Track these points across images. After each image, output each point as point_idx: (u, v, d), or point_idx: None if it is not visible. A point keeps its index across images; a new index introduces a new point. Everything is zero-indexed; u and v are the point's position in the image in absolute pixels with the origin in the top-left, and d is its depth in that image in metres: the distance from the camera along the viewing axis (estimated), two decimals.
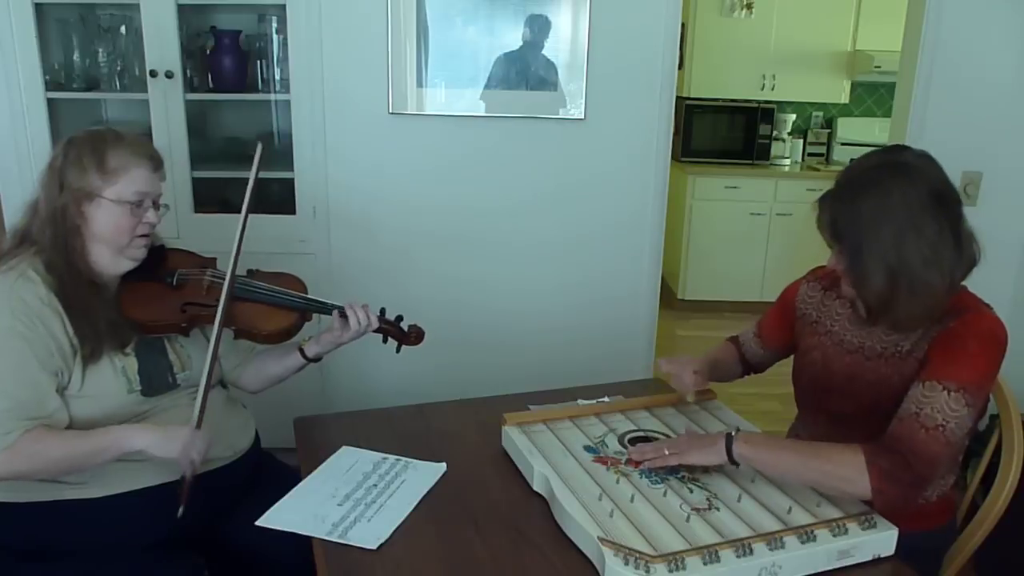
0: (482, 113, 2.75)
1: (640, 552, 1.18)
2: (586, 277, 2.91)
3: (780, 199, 4.90)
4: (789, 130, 5.29)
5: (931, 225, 1.33)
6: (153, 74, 2.56)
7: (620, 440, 1.56)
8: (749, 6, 4.81)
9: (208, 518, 1.56)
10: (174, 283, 1.62)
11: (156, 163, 1.55)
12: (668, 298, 4.69)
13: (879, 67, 4.72)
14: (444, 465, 1.54)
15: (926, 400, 1.32)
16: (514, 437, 1.54)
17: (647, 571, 1.15)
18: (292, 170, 2.70)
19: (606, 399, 1.75)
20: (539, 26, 2.70)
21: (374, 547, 1.28)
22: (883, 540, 1.28)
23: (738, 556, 1.20)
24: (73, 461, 1.40)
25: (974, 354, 1.35)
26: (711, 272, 4.98)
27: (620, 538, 1.23)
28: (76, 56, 2.71)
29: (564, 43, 2.71)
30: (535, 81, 2.74)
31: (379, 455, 1.58)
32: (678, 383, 1.65)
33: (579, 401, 1.75)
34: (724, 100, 5.04)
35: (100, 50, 2.71)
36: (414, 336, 1.73)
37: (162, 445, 1.40)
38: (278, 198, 2.76)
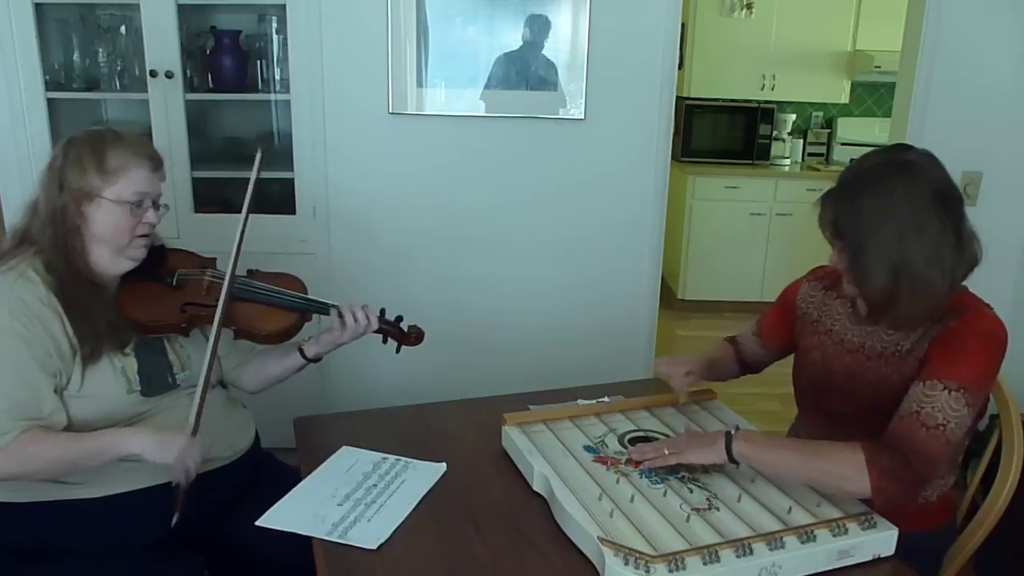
0: (482, 113, 2.75)
1: (640, 552, 1.18)
2: (586, 277, 2.91)
3: (780, 199, 4.90)
4: (789, 130, 5.29)
5: (934, 224, 1.34)
6: (153, 74, 2.56)
7: (620, 440, 1.56)
8: (749, 6, 4.81)
9: (208, 518, 1.56)
10: (174, 283, 1.62)
11: (156, 163, 1.55)
12: (668, 298, 4.69)
13: (879, 67, 4.72)
14: (444, 465, 1.54)
15: (927, 399, 1.32)
16: (514, 437, 1.54)
17: (647, 571, 1.15)
18: (292, 170, 2.70)
19: (606, 399, 1.75)
20: (539, 26, 2.70)
21: (374, 547, 1.28)
22: (883, 540, 1.28)
23: (738, 556, 1.20)
24: (68, 464, 1.39)
25: (974, 353, 1.35)
26: (711, 272, 4.97)
27: (620, 538, 1.23)
28: (76, 56, 2.71)
29: (564, 43, 2.71)
30: (535, 81, 2.74)
31: (379, 455, 1.58)
32: (672, 383, 1.66)
33: (579, 401, 1.75)
34: (724, 100, 5.04)
35: (100, 50, 2.71)
36: (414, 336, 1.73)
37: (157, 451, 1.39)
38: (278, 198, 2.76)
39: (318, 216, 2.74)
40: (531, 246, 2.87)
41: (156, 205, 1.54)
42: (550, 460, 1.46)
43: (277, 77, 2.79)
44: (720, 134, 5.06)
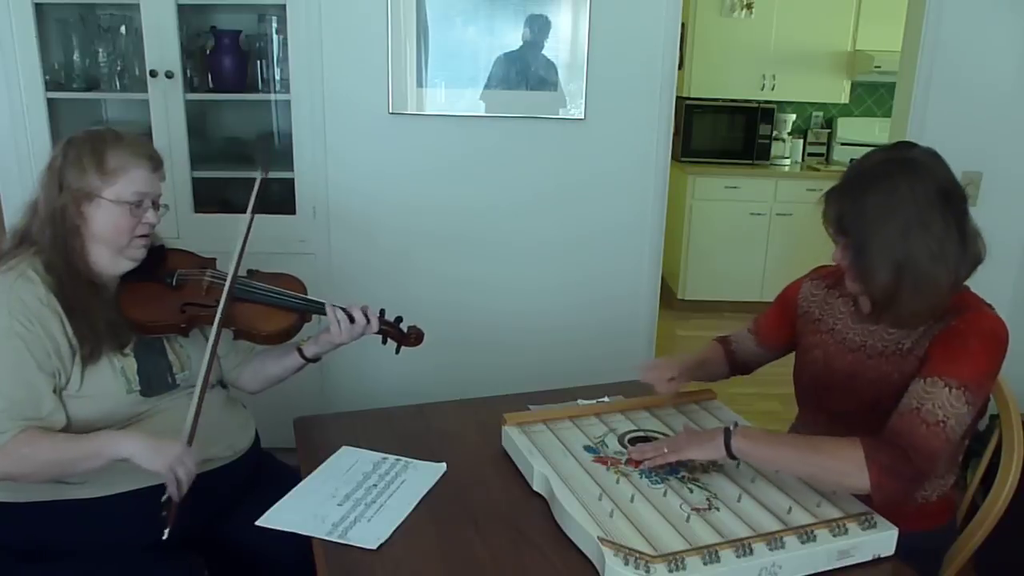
0: (482, 113, 2.75)
1: (640, 552, 1.18)
2: (586, 277, 2.91)
3: (780, 199, 4.90)
4: (789, 130, 5.29)
5: (938, 221, 1.34)
6: (153, 74, 2.56)
7: (620, 440, 1.56)
8: (749, 6, 4.81)
9: (208, 518, 1.56)
10: (173, 283, 1.62)
11: (155, 163, 1.54)
12: (668, 298, 4.69)
13: (879, 67, 4.72)
14: (444, 465, 1.54)
15: (927, 396, 1.32)
16: (514, 437, 1.54)
17: (647, 571, 1.15)
18: (292, 170, 2.70)
19: (606, 399, 1.75)
20: (539, 26, 2.70)
21: (374, 547, 1.28)
22: (883, 540, 1.28)
23: (738, 556, 1.20)
24: (62, 466, 1.39)
25: (975, 352, 1.35)
26: (711, 272, 4.97)
27: (620, 538, 1.23)
28: (76, 56, 2.71)
29: (564, 43, 2.71)
30: (535, 81, 2.74)
31: (379, 455, 1.58)
32: (656, 390, 1.66)
33: (579, 401, 1.75)
34: (724, 100, 5.04)
35: (100, 50, 2.71)
36: (413, 337, 1.72)
37: (148, 456, 1.36)
38: (278, 198, 2.76)
39: (318, 216, 2.74)
40: (531, 246, 2.87)
41: (156, 205, 1.54)
42: (550, 460, 1.46)
43: (277, 77, 2.79)
44: (720, 134, 5.06)
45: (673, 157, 3.54)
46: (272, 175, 2.70)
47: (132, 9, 2.59)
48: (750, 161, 5.06)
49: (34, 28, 2.52)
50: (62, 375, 1.43)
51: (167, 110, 2.59)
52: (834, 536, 1.25)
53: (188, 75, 2.67)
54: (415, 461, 1.56)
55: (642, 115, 2.78)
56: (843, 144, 5.31)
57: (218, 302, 1.54)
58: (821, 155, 5.36)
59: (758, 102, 5.01)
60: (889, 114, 3.54)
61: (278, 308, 1.64)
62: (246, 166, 2.83)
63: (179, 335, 1.59)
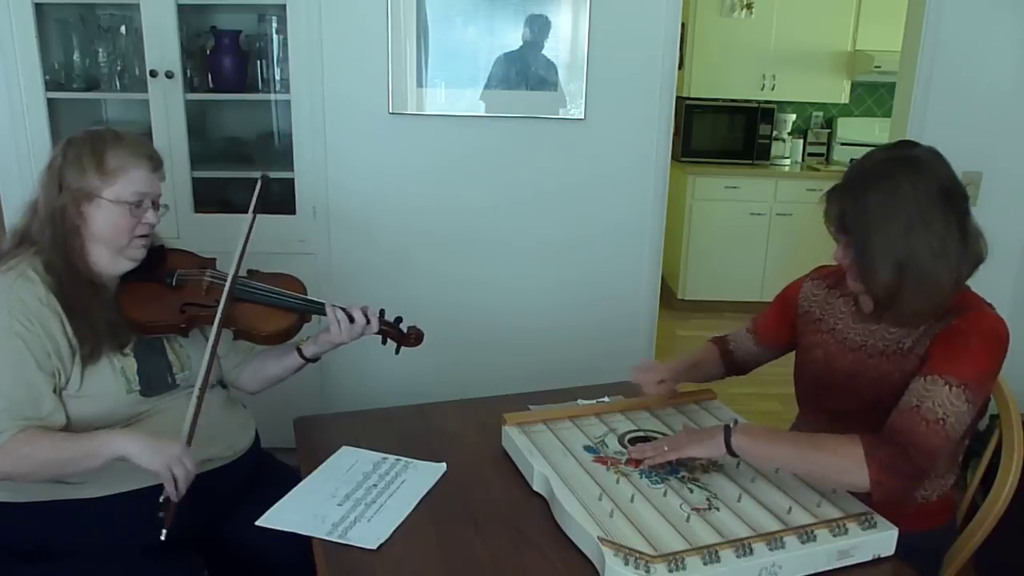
0: (482, 113, 2.75)
1: (640, 552, 1.18)
2: (586, 277, 2.91)
3: (780, 199, 4.90)
4: (789, 130, 5.29)
5: (939, 220, 1.34)
6: (153, 74, 2.56)
7: (620, 440, 1.56)
8: (749, 6, 4.81)
9: (208, 518, 1.56)
10: (173, 283, 1.62)
11: (155, 163, 1.54)
12: (668, 298, 4.69)
13: (879, 67, 4.72)
14: (444, 465, 1.54)
15: (927, 393, 1.32)
16: (514, 437, 1.54)
17: (647, 571, 1.15)
18: (292, 170, 2.70)
19: (606, 399, 1.75)
20: (539, 26, 2.70)
21: (374, 547, 1.28)
22: (883, 540, 1.28)
23: (738, 556, 1.20)
24: (62, 465, 1.38)
25: (976, 352, 1.35)
26: (711, 272, 4.97)
27: (620, 538, 1.23)
28: (76, 56, 2.71)
29: (564, 43, 2.71)
30: (535, 81, 2.74)
31: (379, 455, 1.58)
32: (645, 391, 1.66)
33: (579, 401, 1.75)
34: (724, 100, 5.04)
35: (100, 50, 2.71)
36: (413, 338, 1.72)
37: (147, 455, 1.36)
38: (278, 198, 2.76)
39: (318, 216, 2.74)
40: (531, 246, 2.87)
41: (156, 205, 1.54)
42: (550, 460, 1.46)
43: (277, 77, 2.79)
44: (720, 134, 5.06)
45: (673, 157, 3.54)
46: (272, 175, 2.71)
47: (132, 9, 2.59)
48: (750, 161, 5.06)
49: (34, 28, 2.52)
50: (62, 375, 1.43)
51: (167, 110, 2.59)
52: (834, 536, 1.25)
53: (188, 75, 2.67)
54: (415, 461, 1.56)
55: (642, 115, 2.78)
56: (843, 144, 5.31)
57: (218, 302, 1.54)
58: (821, 155, 5.37)
59: (758, 102, 5.01)
60: (889, 114, 3.54)
61: (278, 308, 1.64)
62: (246, 166, 2.84)
63: (179, 335, 1.59)
